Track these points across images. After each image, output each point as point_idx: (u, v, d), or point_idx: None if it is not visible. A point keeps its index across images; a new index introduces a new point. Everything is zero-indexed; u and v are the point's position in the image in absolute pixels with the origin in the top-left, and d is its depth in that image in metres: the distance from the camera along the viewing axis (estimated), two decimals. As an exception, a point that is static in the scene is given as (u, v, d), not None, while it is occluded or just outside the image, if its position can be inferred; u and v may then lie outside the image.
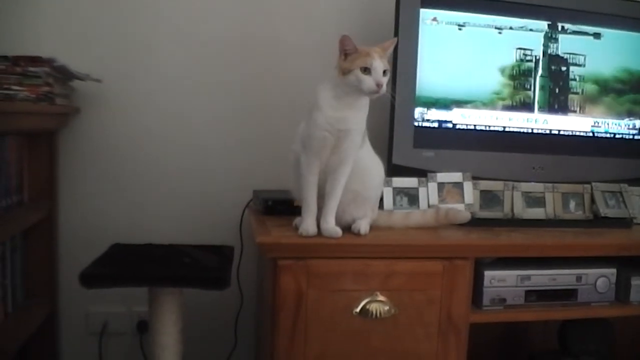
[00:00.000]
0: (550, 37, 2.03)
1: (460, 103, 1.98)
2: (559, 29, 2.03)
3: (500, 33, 1.99)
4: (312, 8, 2.20)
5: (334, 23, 2.20)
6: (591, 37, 2.06)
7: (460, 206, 1.88)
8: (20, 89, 1.77)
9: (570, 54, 2.05)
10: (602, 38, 2.06)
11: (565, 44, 2.04)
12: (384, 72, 1.49)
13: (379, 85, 1.48)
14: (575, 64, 2.06)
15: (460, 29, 1.97)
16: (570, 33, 2.04)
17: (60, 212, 2.09)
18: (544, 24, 2.02)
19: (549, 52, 2.03)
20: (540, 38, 2.02)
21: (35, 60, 1.79)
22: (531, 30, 2.01)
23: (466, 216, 1.66)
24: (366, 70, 1.48)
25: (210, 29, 2.14)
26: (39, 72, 1.78)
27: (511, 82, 2.01)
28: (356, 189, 1.60)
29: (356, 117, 1.55)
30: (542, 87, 2.03)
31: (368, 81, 1.48)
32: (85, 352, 2.14)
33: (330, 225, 1.55)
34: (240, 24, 2.16)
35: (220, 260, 1.77)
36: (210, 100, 2.17)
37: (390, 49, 1.56)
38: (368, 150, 1.65)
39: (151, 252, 1.82)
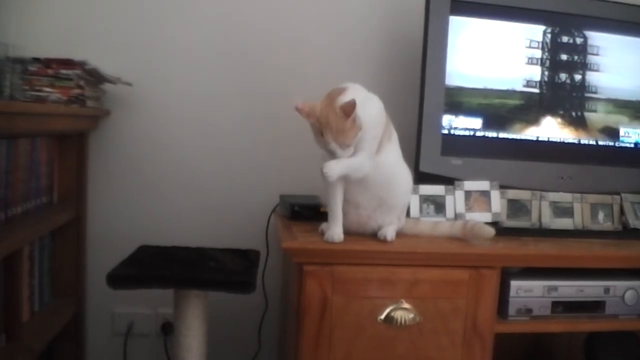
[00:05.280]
0: (580, 46, 2.01)
1: (488, 110, 1.97)
2: (590, 37, 2.01)
3: (528, 41, 1.98)
4: (339, 13, 2.21)
5: (362, 28, 2.22)
6: (621, 45, 2.04)
7: (487, 215, 1.87)
8: (52, 90, 1.80)
9: (600, 62, 2.03)
10: (631, 45, 2.05)
11: (596, 52, 2.02)
12: None
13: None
14: (606, 72, 2.03)
15: (489, 37, 1.96)
16: (599, 40, 2.02)
17: (88, 213, 2.11)
18: (573, 32, 2.00)
19: (578, 60, 2.01)
20: (570, 47, 2.00)
21: (67, 63, 1.81)
22: (561, 39, 2.00)
23: (490, 232, 1.64)
24: None
25: (238, 34, 2.16)
26: (70, 75, 1.81)
27: (540, 90, 1.99)
28: (382, 195, 1.60)
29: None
30: (571, 95, 2.01)
31: None
32: (110, 352, 2.16)
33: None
34: (267, 29, 2.18)
35: (246, 265, 1.78)
36: (238, 105, 2.18)
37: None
38: (396, 157, 1.64)
39: (178, 255, 1.83)
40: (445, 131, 1.94)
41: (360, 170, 1.52)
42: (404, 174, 1.66)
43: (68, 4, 2.07)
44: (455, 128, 1.95)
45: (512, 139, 1.98)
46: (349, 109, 1.44)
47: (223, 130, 2.18)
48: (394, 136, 1.63)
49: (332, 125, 1.45)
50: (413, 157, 1.88)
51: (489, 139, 1.97)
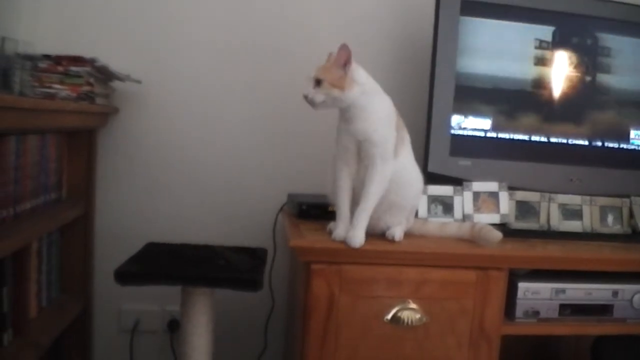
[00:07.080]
0: (590, 47, 2.00)
1: (497, 111, 1.96)
2: (600, 38, 2.00)
3: (538, 41, 1.97)
4: (349, 13, 2.21)
5: (371, 29, 2.21)
6: (631, 47, 2.03)
7: (495, 216, 1.86)
8: (62, 87, 1.80)
9: (611, 63, 2.02)
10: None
11: (606, 54, 2.01)
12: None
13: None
14: (616, 73, 2.02)
15: (498, 37, 1.95)
16: (609, 42, 2.01)
17: (97, 210, 2.12)
18: (583, 33, 1.99)
19: (588, 61, 2.00)
20: (580, 48, 2.00)
21: (77, 60, 1.82)
22: (571, 40, 1.99)
23: (498, 235, 1.63)
24: None
25: (248, 33, 2.16)
26: (80, 72, 1.81)
27: (549, 91, 1.98)
28: (393, 197, 1.59)
29: (366, 127, 1.53)
30: (581, 97, 2.00)
31: None
32: (117, 349, 2.16)
33: (351, 233, 1.52)
34: (277, 28, 2.18)
35: (254, 263, 1.78)
36: (246, 103, 2.18)
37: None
38: (408, 159, 1.64)
39: (185, 252, 1.83)
40: (454, 132, 1.93)
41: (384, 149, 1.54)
42: (416, 177, 1.66)
43: (78, 1, 2.07)
44: (464, 128, 1.94)
45: (521, 140, 1.98)
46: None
47: (231, 129, 2.18)
48: (407, 139, 1.64)
49: (322, 65, 1.51)
50: (422, 157, 1.87)
51: (497, 139, 1.97)
